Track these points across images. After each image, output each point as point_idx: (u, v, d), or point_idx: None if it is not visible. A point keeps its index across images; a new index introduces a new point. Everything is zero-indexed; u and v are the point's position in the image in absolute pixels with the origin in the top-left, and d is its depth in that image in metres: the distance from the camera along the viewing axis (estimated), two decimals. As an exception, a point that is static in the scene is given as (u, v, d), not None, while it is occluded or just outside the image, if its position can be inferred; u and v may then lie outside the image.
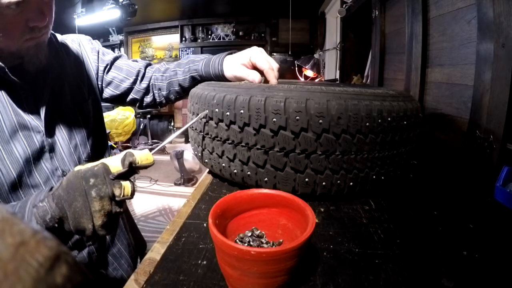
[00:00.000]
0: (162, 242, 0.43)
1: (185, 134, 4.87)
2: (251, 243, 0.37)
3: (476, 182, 0.68)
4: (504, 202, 0.55)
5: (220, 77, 0.67)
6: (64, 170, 0.59)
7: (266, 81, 0.65)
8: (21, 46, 0.50)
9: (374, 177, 0.53)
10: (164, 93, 0.75)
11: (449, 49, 0.89)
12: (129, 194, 0.39)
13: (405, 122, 0.52)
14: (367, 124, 0.48)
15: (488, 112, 0.68)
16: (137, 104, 0.78)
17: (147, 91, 0.75)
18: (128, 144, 4.26)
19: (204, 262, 0.38)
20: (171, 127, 4.95)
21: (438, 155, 0.91)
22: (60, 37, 0.67)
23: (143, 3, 3.80)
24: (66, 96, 0.62)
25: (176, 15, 4.92)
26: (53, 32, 0.62)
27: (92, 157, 0.64)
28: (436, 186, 0.66)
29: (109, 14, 3.37)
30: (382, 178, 0.55)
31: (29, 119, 0.54)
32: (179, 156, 2.95)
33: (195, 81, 0.71)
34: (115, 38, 5.35)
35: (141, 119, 4.53)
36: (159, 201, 2.73)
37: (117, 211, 0.39)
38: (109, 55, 0.74)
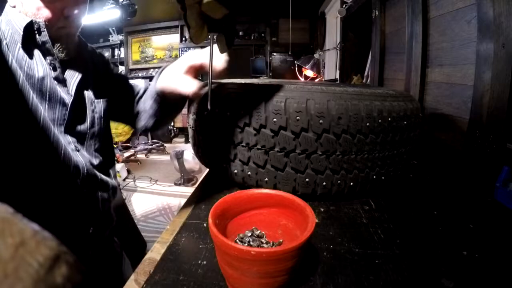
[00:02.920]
0: (162, 242, 0.43)
1: (185, 134, 4.87)
2: (251, 243, 0.37)
3: (476, 182, 0.68)
4: (504, 202, 0.55)
5: (154, 96, 0.64)
6: (77, 147, 0.58)
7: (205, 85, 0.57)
8: (55, 34, 0.54)
9: (374, 177, 0.53)
10: (144, 116, 0.71)
11: (449, 49, 0.89)
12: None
13: (405, 122, 0.52)
14: (368, 124, 0.48)
15: (488, 112, 0.68)
16: (131, 126, 0.76)
17: (138, 113, 0.72)
18: (128, 144, 4.26)
19: (204, 262, 0.38)
20: (171, 127, 4.94)
21: (438, 155, 0.91)
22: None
23: (143, 3, 3.81)
24: (95, 88, 0.64)
25: (176, 15, 4.92)
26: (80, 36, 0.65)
27: (100, 152, 0.65)
28: (436, 186, 0.66)
29: (109, 14, 3.37)
30: (382, 178, 0.55)
31: (60, 88, 0.56)
32: (179, 156, 2.95)
33: (157, 104, 0.66)
34: (115, 38, 5.35)
35: (141, 119, 4.53)
36: (159, 201, 2.73)
37: None
38: (116, 72, 0.77)
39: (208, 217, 0.33)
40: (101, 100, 0.64)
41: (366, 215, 0.51)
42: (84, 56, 0.65)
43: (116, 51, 5.55)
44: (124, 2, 3.33)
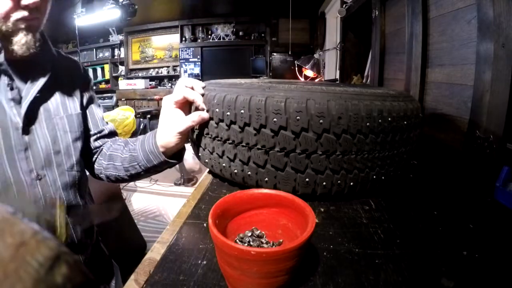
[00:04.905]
0: (162, 242, 0.43)
1: (185, 134, 4.87)
2: (251, 243, 0.37)
3: (476, 182, 0.68)
4: (504, 202, 0.55)
5: (152, 150, 0.60)
6: (40, 174, 0.55)
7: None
8: (12, 27, 0.48)
9: (374, 177, 0.53)
10: (104, 164, 0.68)
11: (449, 49, 0.89)
12: None
13: (405, 122, 0.52)
14: (368, 124, 0.48)
15: (488, 112, 0.68)
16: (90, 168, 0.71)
17: (95, 153, 0.69)
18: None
19: (204, 262, 0.38)
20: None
21: (438, 155, 0.91)
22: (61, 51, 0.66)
23: (143, 3, 3.80)
24: (56, 102, 0.60)
25: (176, 15, 4.92)
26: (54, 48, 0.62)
27: (76, 169, 0.61)
28: (436, 186, 0.66)
29: (109, 14, 3.37)
30: (383, 178, 0.55)
31: (10, 112, 0.52)
32: (179, 156, 2.95)
33: (135, 161, 0.63)
34: (115, 38, 5.35)
35: (141, 119, 4.53)
36: (159, 201, 2.73)
37: None
38: (93, 94, 0.71)
39: (208, 217, 0.33)
40: (64, 116, 0.60)
41: (366, 215, 0.51)
42: (47, 60, 0.60)
43: (116, 51, 5.56)
44: (124, 2, 3.33)
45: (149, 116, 4.51)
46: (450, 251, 0.41)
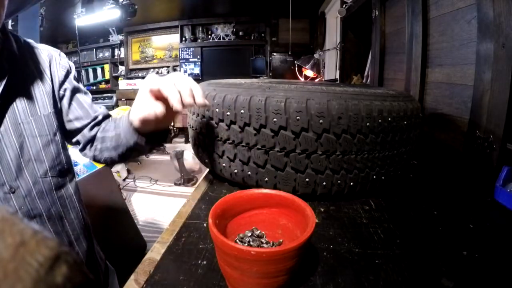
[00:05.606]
0: (162, 242, 0.43)
1: (185, 134, 4.87)
2: (251, 243, 0.37)
3: (476, 182, 0.68)
4: (504, 202, 0.55)
5: (128, 129, 0.55)
6: (13, 186, 0.52)
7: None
8: None
9: (374, 177, 0.53)
10: (98, 147, 0.64)
11: (449, 49, 0.89)
12: None
13: (405, 122, 0.52)
14: (368, 124, 0.48)
15: (488, 112, 0.68)
16: (79, 148, 0.66)
17: (91, 140, 0.65)
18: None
19: (204, 262, 0.38)
20: (171, 127, 4.95)
21: (438, 155, 0.91)
22: (28, 40, 0.60)
23: (143, 3, 3.80)
24: (21, 104, 0.54)
25: (176, 15, 4.92)
26: (16, 35, 0.57)
27: (49, 175, 0.58)
28: (436, 186, 0.66)
29: (109, 14, 3.37)
30: (383, 178, 0.55)
31: None
32: (179, 156, 2.95)
33: (118, 141, 0.59)
34: (115, 38, 5.35)
35: (141, 119, 4.53)
36: (159, 201, 2.73)
37: None
38: (76, 84, 0.65)
39: (208, 217, 0.33)
40: (31, 119, 0.55)
41: (366, 215, 0.51)
42: (19, 57, 0.55)
43: (116, 51, 5.56)
44: (124, 2, 3.33)
45: (149, 116, 4.51)
46: (450, 251, 0.41)
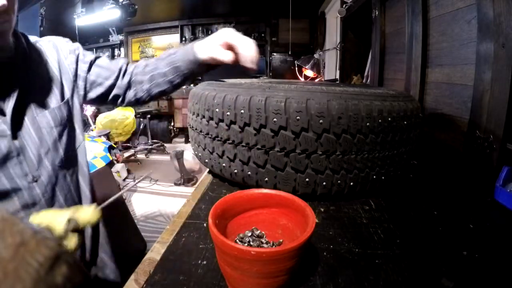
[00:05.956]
0: (162, 242, 0.43)
1: (185, 134, 4.87)
2: (251, 243, 0.37)
3: (476, 182, 0.68)
4: (504, 202, 0.55)
5: (196, 62, 0.64)
6: (35, 176, 0.56)
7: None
8: None
9: (374, 177, 0.53)
10: (145, 87, 0.72)
11: (449, 49, 0.89)
12: (73, 248, 0.39)
13: (405, 122, 0.52)
14: (368, 124, 0.48)
15: (488, 112, 0.68)
16: (119, 101, 0.75)
17: (129, 86, 0.73)
18: (128, 144, 4.26)
19: (204, 262, 0.38)
20: (171, 127, 4.95)
21: (438, 155, 0.91)
22: (33, 38, 0.64)
23: (143, 3, 3.80)
24: (36, 99, 0.59)
25: (176, 15, 4.92)
26: (24, 33, 0.60)
27: (65, 163, 0.62)
28: (436, 186, 0.66)
29: (109, 14, 3.37)
30: (382, 178, 0.55)
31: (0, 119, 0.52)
32: (179, 156, 2.95)
33: (177, 72, 0.67)
34: (115, 38, 5.35)
35: (141, 119, 4.53)
36: (159, 201, 2.73)
37: None
38: (90, 55, 0.71)
39: (208, 217, 0.33)
40: (46, 111, 0.59)
41: (366, 215, 0.51)
42: (29, 56, 0.59)
43: (116, 51, 5.56)
44: (124, 2, 3.33)
45: (149, 116, 4.51)
46: (450, 251, 0.41)
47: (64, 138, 0.63)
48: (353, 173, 0.51)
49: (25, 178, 0.55)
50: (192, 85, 3.94)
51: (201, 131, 0.60)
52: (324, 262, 0.39)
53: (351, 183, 0.52)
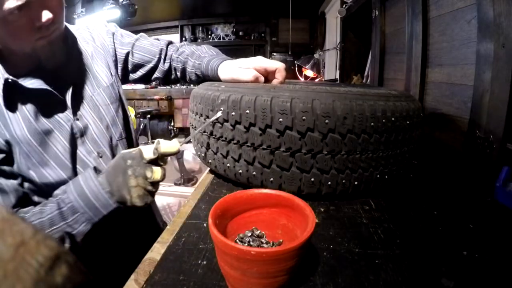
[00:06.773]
0: (162, 242, 0.43)
1: (185, 134, 4.87)
2: (251, 243, 0.37)
3: (476, 182, 0.68)
4: (504, 202, 0.55)
5: (216, 78, 0.68)
6: (99, 152, 0.61)
7: (267, 80, 0.64)
8: (34, 46, 0.51)
9: (378, 176, 0.54)
10: (179, 74, 0.77)
11: (449, 49, 0.89)
12: (159, 178, 0.49)
13: (408, 122, 0.52)
14: (372, 124, 0.49)
15: (488, 112, 0.68)
16: (160, 82, 0.81)
17: (169, 70, 0.78)
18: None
19: (204, 262, 0.38)
20: (171, 127, 4.94)
21: (438, 155, 0.91)
22: (73, 27, 0.67)
23: (143, 3, 3.80)
24: (89, 83, 0.64)
25: (176, 15, 4.92)
26: (67, 24, 0.62)
27: (123, 136, 0.68)
28: (436, 186, 0.66)
29: (109, 14, 3.36)
30: (386, 177, 0.55)
31: (58, 115, 0.57)
32: (179, 156, 2.95)
33: (199, 78, 0.73)
34: (115, 38, 5.35)
35: (141, 119, 4.53)
36: (159, 201, 2.73)
37: (149, 189, 0.49)
38: (129, 37, 0.75)
39: (208, 217, 0.33)
40: (100, 90, 0.65)
41: (366, 215, 0.51)
42: (77, 47, 0.64)
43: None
44: (124, 2, 3.33)
45: (149, 116, 4.51)
46: (450, 251, 0.41)
47: (120, 112, 0.69)
48: (357, 172, 0.52)
49: (91, 155, 0.60)
50: (192, 85, 3.93)
51: (204, 131, 0.60)
52: (324, 262, 0.39)
53: (356, 183, 0.52)
